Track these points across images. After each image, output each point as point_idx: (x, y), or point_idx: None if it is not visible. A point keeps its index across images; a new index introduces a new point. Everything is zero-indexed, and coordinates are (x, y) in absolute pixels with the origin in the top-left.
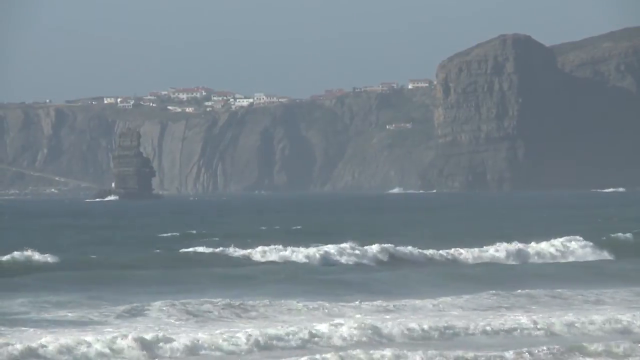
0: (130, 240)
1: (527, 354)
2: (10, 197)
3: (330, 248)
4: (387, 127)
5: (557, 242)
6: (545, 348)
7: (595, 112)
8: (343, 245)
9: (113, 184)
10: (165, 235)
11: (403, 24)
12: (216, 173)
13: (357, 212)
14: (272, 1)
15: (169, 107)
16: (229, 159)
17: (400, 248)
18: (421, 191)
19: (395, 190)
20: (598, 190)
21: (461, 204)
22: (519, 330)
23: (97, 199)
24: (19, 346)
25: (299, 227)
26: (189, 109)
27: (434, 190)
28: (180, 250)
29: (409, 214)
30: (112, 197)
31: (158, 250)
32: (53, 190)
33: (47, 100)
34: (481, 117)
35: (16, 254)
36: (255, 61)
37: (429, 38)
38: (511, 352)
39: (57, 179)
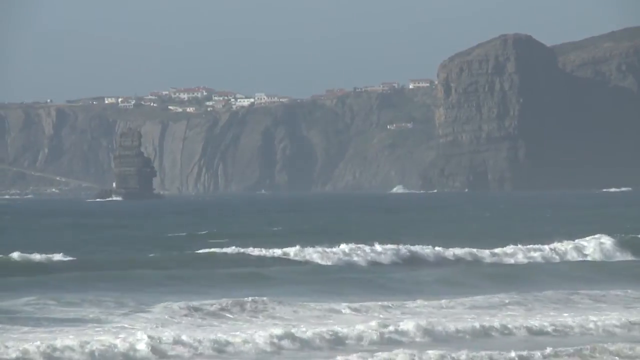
0: (141, 241)
1: (539, 354)
2: (14, 197)
3: (347, 248)
4: (388, 127)
5: (580, 242)
6: (562, 348)
7: (597, 112)
8: (360, 245)
9: (114, 184)
10: (177, 235)
11: (404, 24)
12: (217, 173)
13: (365, 211)
14: (272, 1)
15: (170, 107)
16: (230, 158)
17: (418, 247)
18: (422, 191)
19: (398, 189)
20: (602, 190)
21: (467, 204)
22: (535, 330)
23: (98, 199)
24: (38, 344)
25: (309, 226)
26: (189, 109)
27: (435, 190)
28: (200, 251)
29: (418, 213)
30: (116, 198)
31: (174, 252)
32: (54, 190)
33: (48, 100)
34: (482, 117)
35: (34, 254)
36: (256, 61)
37: (429, 38)
38: (539, 352)
39: (58, 179)
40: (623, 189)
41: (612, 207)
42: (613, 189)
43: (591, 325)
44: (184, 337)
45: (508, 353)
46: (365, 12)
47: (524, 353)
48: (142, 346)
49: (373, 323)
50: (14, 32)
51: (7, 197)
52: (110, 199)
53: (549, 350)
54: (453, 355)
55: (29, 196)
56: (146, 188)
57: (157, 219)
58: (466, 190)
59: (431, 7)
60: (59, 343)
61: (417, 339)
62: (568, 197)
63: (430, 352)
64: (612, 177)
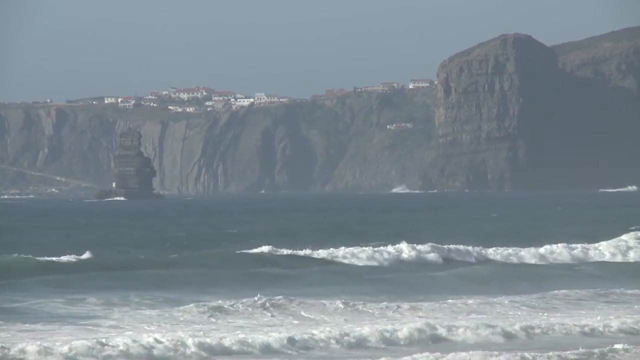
0: (158, 241)
1: (569, 354)
2: (15, 197)
3: (380, 248)
4: (388, 127)
5: (617, 241)
6: (591, 349)
7: (597, 112)
8: (397, 245)
9: (114, 184)
10: (200, 233)
11: (404, 24)
12: (217, 173)
13: (379, 211)
14: (272, 1)
15: (170, 107)
16: (230, 158)
17: (453, 247)
18: (422, 191)
19: (402, 189)
20: (602, 190)
21: (477, 203)
22: (564, 330)
23: (96, 199)
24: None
25: (330, 226)
26: (189, 109)
27: (435, 190)
28: (242, 251)
29: (434, 212)
30: (119, 198)
31: (197, 252)
32: (54, 190)
33: (48, 100)
34: (482, 117)
35: (62, 255)
36: (256, 61)
37: (430, 38)
38: (569, 351)
39: (58, 179)
40: (629, 188)
41: (629, 207)
42: (617, 189)
43: (614, 325)
44: (228, 337)
45: (546, 352)
46: (365, 12)
47: (556, 353)
48: (189, 345)
49: (421, 322)
50: (14, 32)
51: (5, 197)
52: (109, 199)
53: (580, 350)
54: (539, 355)
55: (30, 196)
56: (146, 188)
57: (171, 219)
58: (466, 190)
59: (431, 7)
60: (106, 341)
61: (458, 339)
62: (574, 197)
63: (499, 352)
64: (612, 177)
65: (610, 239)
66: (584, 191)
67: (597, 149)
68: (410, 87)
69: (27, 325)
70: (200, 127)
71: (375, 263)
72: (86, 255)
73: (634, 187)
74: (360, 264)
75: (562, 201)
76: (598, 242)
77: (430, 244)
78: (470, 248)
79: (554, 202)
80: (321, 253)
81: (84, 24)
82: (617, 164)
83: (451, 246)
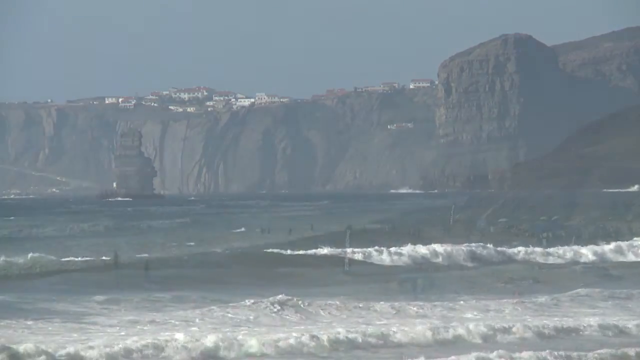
0: (168, 240)
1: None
2: (19, 197)
3: (417, 249)
4: (389, 126)
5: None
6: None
7: (597, 111)
8: (413, 246)
9: (114, 184)
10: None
11: (405, 24)
12: (217, 173)
13: (380, 211)
14: (272, 1)
15: (171, 107)
16: (231, 158)
17: (474, 245)
18: (422, 191)
19: (404, 189)
20: (610, 190)
21: (482, 203)
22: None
23: (97, 199)
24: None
25: (342, 226)
26: (190, 109)
27: (435, 190)
28: (253, 250)
29: (437, 212)
30: (126, 198)
31: (218, 250)
32: (55, 190)
33: (49, 100)
34: (482, 117)
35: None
36: (257, 61)
37: (430, 38)
38: (590, 353)
39: (58, 178)
40: (631, 188)
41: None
42: (619, 189)
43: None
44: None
45: (569, 352)
46: (366, 11)
47: (574, 354)
48: (205, 342)
49: (435, 322)
50: (14, 32)
51: (5, 197)
52: (110, 199)
53: (602, 350)
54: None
55: (31, 196)
56: (146, 188)
57: (175, 218)
58: (467, 190)
59: (432, 7)
60: (135, 344)
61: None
62: (577, 196)
63: (556, 353)
64: (614, 177)
65: (623, 240)
66: (586, 191)
67: (597, 148)
68: (411, 87)
69: (30, 322)
70: (200, 127)
71: (391, 263)
72: (100, 256)
73: (636, 187)
74: (377, 263)
75: (564, 201)
76: (611, 242)
77: (445, 244)
78: (490, 247)
79: (556, 202)
80: (335, 253)
81: (85, 23)
82: (618, 164)
83: (472, 245)
